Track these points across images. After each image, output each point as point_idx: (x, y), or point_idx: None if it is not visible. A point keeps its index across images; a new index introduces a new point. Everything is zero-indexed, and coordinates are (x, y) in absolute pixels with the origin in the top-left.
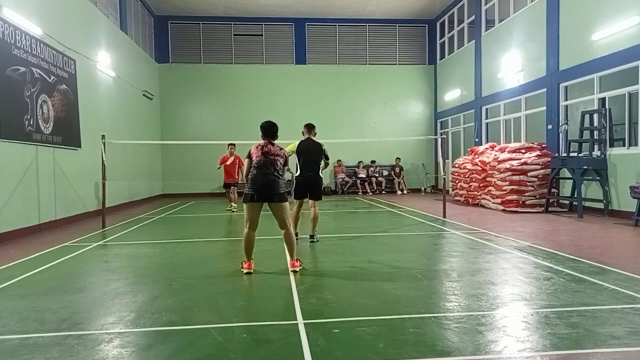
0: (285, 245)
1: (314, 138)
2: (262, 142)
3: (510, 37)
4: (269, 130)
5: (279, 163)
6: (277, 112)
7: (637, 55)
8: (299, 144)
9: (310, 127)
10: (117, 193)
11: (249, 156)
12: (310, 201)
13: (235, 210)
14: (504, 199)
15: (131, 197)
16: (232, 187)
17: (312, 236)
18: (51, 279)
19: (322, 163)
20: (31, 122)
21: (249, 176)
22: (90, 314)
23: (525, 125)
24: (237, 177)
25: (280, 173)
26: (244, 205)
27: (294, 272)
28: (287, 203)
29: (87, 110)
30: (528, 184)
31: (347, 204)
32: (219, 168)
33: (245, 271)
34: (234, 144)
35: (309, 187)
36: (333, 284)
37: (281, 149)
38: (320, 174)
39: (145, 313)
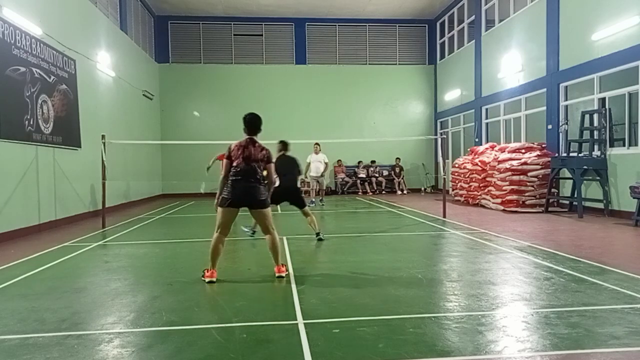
0: (269, 251)
1: (288, 154)
2: (243, 141)
3: (510, 37)
4: (253, 124)
5: (259, 169)
6: (277, 112)
7: (637, 55)
8: (276, 160)
9: (284, 144)
10: (117, 193)
11: (229, 157)
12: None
13: None
14: (504, 199)
15: (131, 197)
16: None
17: (317, 234)
18: (51, 279)
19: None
20: (31, 122)
21: (229, 180)
22: (90, 314)
23: (525, 125)
24: None
25: (261, 179)
26: (219, 208)
27: (280, 277)
28: (268, 209)
29: (87, 110)
30: (528, 184)
31: (347, 204)
32: (208, 168)
33: (207, 280)
34: None
35: (288, 195)
36: (333, 284)
37: (262, 149)
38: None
39: (145, 313)
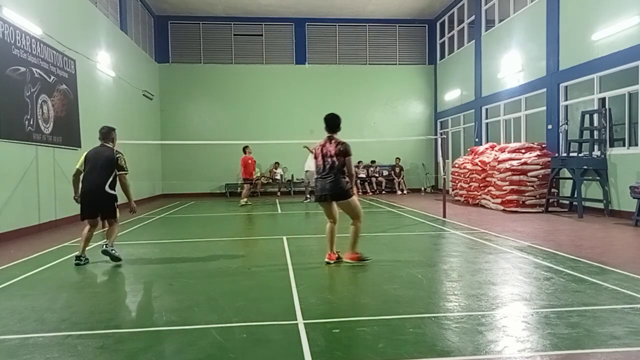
0: (350, 235)
1: (109, 145)
2: (324, 140)
3: (510, 37)
4: (330, 123)
5: (336, 163)
6: (277, 112)
7: (637, 55)
8: (87, 153)
9: (102, 133)
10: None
11: (315, 156)
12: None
13: (250, 203)
14: (504, 199)
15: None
16: (249, 184)
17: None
18: (51, 279)
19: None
20: (31, 122)
21: (315, 178)
22: (90, 314)
23: (525, 125)
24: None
25: (339, 173)
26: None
27: (335, 262)
28: (350, 199)
29: (87, 110)
30: (528, 184)
31: None
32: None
33: (326, 260)
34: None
35: (90, 202)
36: (333, 284)
37: (338, 144)
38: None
39: (145, 313)
